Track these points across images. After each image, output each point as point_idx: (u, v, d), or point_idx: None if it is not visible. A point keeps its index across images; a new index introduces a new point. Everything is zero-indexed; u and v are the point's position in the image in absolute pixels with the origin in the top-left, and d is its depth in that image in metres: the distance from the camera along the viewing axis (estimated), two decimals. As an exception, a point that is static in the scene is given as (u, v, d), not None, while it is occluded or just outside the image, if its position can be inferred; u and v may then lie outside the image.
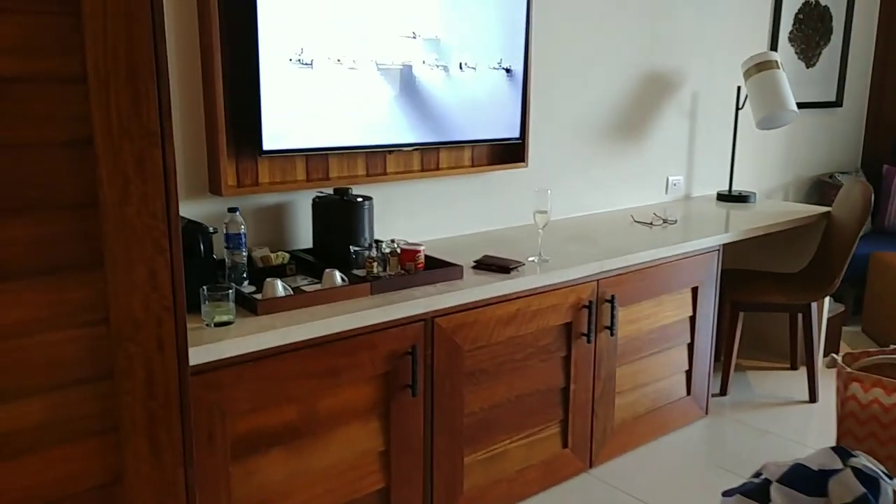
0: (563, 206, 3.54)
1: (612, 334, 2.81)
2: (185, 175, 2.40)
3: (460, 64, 2.85)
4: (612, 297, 2.78)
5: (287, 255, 2.48)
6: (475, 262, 2.64)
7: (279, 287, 2.15)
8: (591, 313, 2.71)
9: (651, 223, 3.43)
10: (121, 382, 1.52)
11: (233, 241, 2.25)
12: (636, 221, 3.48)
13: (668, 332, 3.12)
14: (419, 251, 2.47)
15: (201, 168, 2.44)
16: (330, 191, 2.61)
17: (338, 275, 2.28)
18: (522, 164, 3.20)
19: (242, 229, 2.26)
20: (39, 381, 1.45)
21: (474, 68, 2.89)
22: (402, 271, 2.44)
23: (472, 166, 3.13)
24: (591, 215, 3.60)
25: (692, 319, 3.20)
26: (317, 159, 2.66)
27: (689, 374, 3.26)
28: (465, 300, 2.37)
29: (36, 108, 1.38)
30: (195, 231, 2.08)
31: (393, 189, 2.92)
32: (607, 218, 3.55)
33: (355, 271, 2.45)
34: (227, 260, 2.28)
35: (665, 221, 3.45)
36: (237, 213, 2.27)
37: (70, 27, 1.39)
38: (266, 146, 2.42)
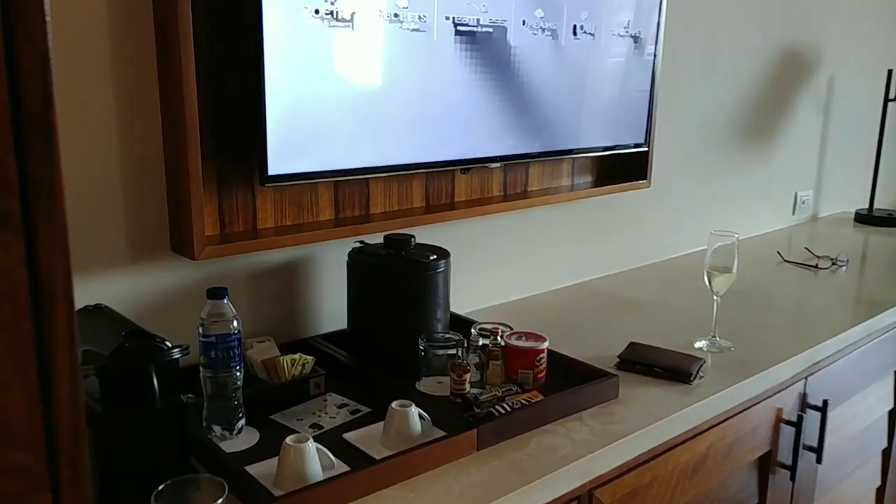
0: (690, 238, 2.55)
1: (819, 460, 1.82)
2: (118, 224, 1.36)
3: (574, 27, 1.83)
4: (825, 402, 1.78)
5: (310, 360, 1.44)
6: (620, 358, 1.63)
7: (312, 461, 1.11)
8: (797, 432, 1.72)
9: (816, 265, 2.45)
10: None
11: (217, 351, 1.21)
12: (786, 261, 2.50)
13: (867, 437, 2.14)
14: (541, 350, 1.46)
15: (154, 209, 1.39)
16: (376, 237, 1.58)
17: (415, 414, 1.25)
18: (643, 182, 2.20)
19: (235, 328, 1.23)
20: None
21: (592, 34, 1.88)
22: (513, 386, 1.42)
23: (572, 188, 2.12)
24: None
25: (891, 415, 2.23)
26: (351, 186, 1.64)
27: (881, 492, 2.29)
28: (639, 449, 1.36)
29: None
30: (139, 354, 1.04)
31: (460, 229, 1.90)
32: (745, 255, 2.56)
33: (424, 384, 1.44)
34: (205, 387, 1.24)
35: (835, 262, 2.47)
36: (225, 298, 1.23)
37: None
38: (274, 168, 1.38)
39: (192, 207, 1.32)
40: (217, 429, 1.25)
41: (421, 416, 1.27)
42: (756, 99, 2.74)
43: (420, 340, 1.47)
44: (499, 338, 1.47)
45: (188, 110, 1.29)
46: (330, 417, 1.35)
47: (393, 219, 1.68)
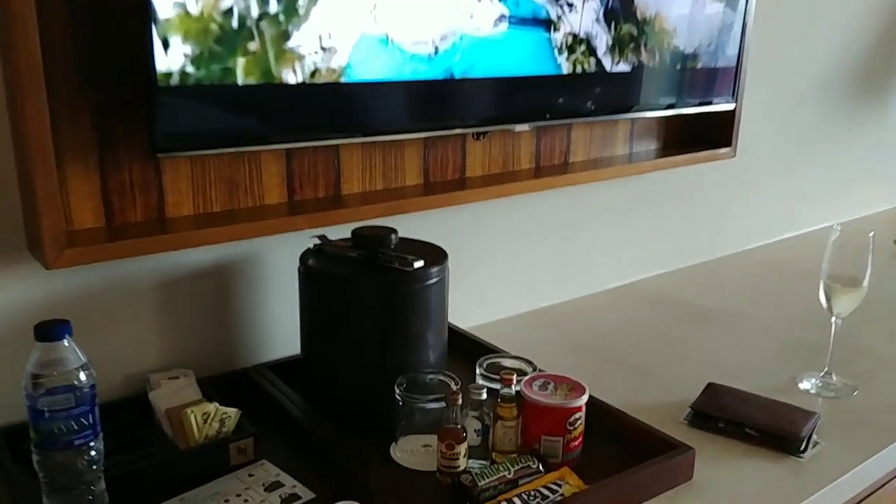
0: (781, 223, 2.02)
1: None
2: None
3: (638, -67, 1.31)
4: None
5: (232, 413, 0.99)
6: (694, 410, 1.14)
7: None
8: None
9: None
10: None
11: (54, 421, 0.77)
12: (908, 254, 1.96)
13: None
14: (576, 409, 0.98)
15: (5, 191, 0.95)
16: (347, 230, 1.11)
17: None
18: (726, 151, 1.68)
19: (83, 382, 0.78)
20: None
21: (664, -54, 1.36)
22: (532, 461, 0.95)
23: (630, 159, 1.61)
24: (804, 237, 2.07)
25: None
26: (312, 156, 1.17)
27: None
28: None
29: None
30: None
31: (473, 216, 1.42)
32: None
33: (402, 449, 0.98)
34: (42, 476, 0.80)
35: (976, 259, 1.91)
36: (65, 338, 0.78)
37: None
38: (170, 124, 0.92)
39: (38, 189, 0.87)
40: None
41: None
42: (868, 51, 2.16)
43: (397, 387, 1.00)
44: (513, 386, 0.99)
45: (21, 41, 0.83)
46: (252, 508, 0.91)
47: (374, 202, 1.21)
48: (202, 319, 1.14)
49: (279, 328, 1.21)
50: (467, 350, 1.30)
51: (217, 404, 0.99)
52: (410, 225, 1.22)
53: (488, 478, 0.93)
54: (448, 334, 1.29)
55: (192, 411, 0.98)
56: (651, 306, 1.61)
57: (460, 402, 0.95)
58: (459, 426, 0.95)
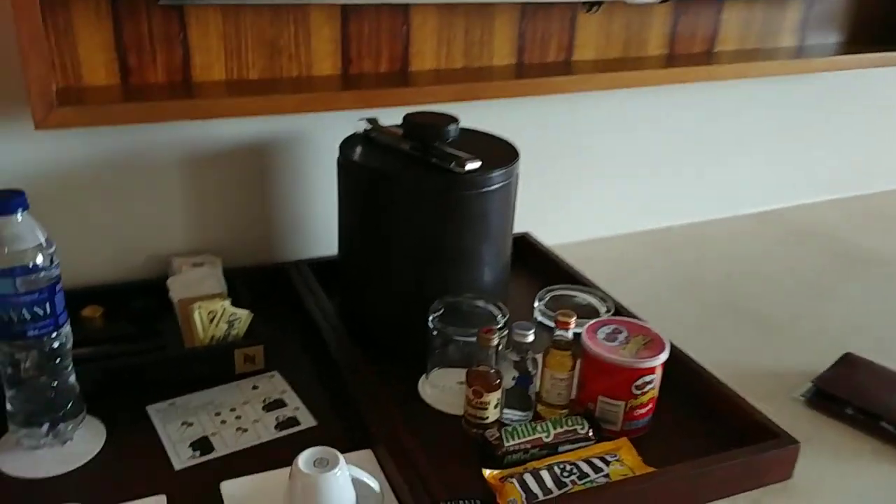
0: None
1: None
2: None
3: None
4: None
5: (242, 315, 0.87)
6: (816, 386, 0.90)
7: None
8: None
9: None
10: None
11: (6, 307, 0.67)
12: None
13: None
14: (649, 370, 0.77)
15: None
16: (405, 112, 0.92)
17: (341, 485, 0.65)
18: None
19: (39, 263, 0.67)
20: None
21: None
22: (581, 424, 0.77)
23: (800, 52, 1.29)
24: None
25: None
26: (374, 15, 0.98)
27: None
28: None
29: None
30: None
31: (572, 108, 1.19)
32: None
33: (433, 385, 0.83)
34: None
35: None
36: (18, 211, 0.67)
37: None
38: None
39: (21, 32, 0.75)
40: (21, 433, 0.73)
41: (359, 485, 0.67)
42: None
43: (431, 313, 0.84)
44: (569, 331, 0.80)
45: None
46: (240, 428, 0.79)
47: (449, 82, 1.01)
48: (235, 203, 1.02)
49: (326, 221, 1.06)
50: (540, 274, 1.11)
51: (227, 303, 0.87)
52: (492, 115, 1.02)
53: (520, 437, 0.76)
54: (519, 252, 1.11)
55: (199, 307, 0.87)
56: (795, 242, 1.32)
57: (495, 343, 0.77)
58: (493, 371, 0.78)
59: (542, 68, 1.09)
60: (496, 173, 0.86)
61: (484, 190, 0.86)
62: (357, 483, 0.67)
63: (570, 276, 1.06)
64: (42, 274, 0.69)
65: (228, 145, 0.99)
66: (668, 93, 1.23)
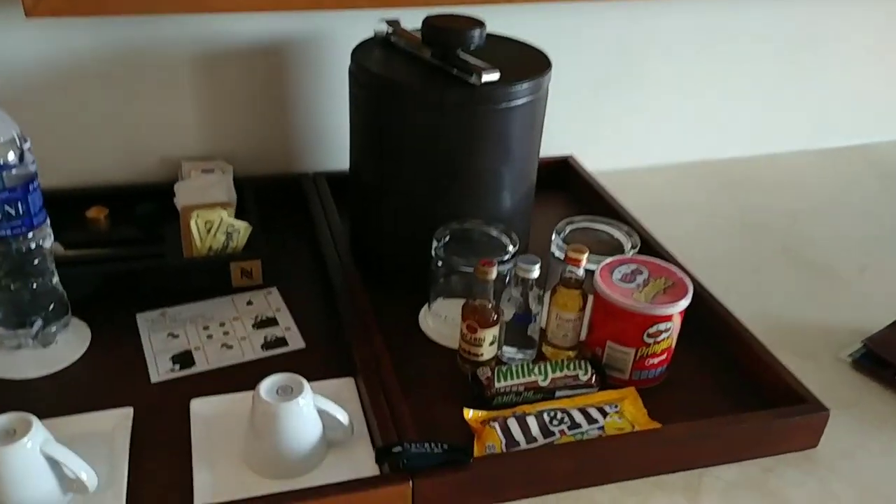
0: None
1: None
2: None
3: None
4: None
5: (240, 227, 0.84)
6: (867, 347, 0.80)
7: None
8: None
9: None
10: None
11: None
12: None
13: None
14: (664, 317, 0.69)
15: None
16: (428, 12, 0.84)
17: (304, 413, 0.61)
18: None
19: (10, 160, 0.64)
20: None
21: None
22: (584, 369, 0.71)
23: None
24: None
25: None
26: None
27: None
28: None
29: None
30: None
31: (626, 13, 1.07)
32: None
33: (435, 315, 0.78)
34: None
35: None
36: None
37: None
38: None
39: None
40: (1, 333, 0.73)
41: (326, 416, 0.63)
42: None
43: (435, 240, 0.78)
44: (580, 269, 0.72)
45: None
46: (225, 345, 0.76)
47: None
48: (250, 107, 0.97)
49: (341, 132, 1.00)
50: (577, 202, 1.04)
51: (225, 214, 0.84)
52: (534, 20, 0.92)
53: (513, 378, 0.70)
54: (556, 177, 1.03)
55: (197, 216, 0.83)
56: (879, 184, 1.19)
57: (493, 276, 0.70)
58: (490, 305, 0.72)
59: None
60: (521, 87, 0.78)
61: (505, 105, 0.78)
62: (324, 414, 0.63)
63: (609, 208, 0.98)
64: (14, 171, 0.66)
65: (242, 44, 0.93)
66: (742, 3, 1.09)
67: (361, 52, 0.84)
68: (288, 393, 0.61)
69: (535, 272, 0.71)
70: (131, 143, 0.95)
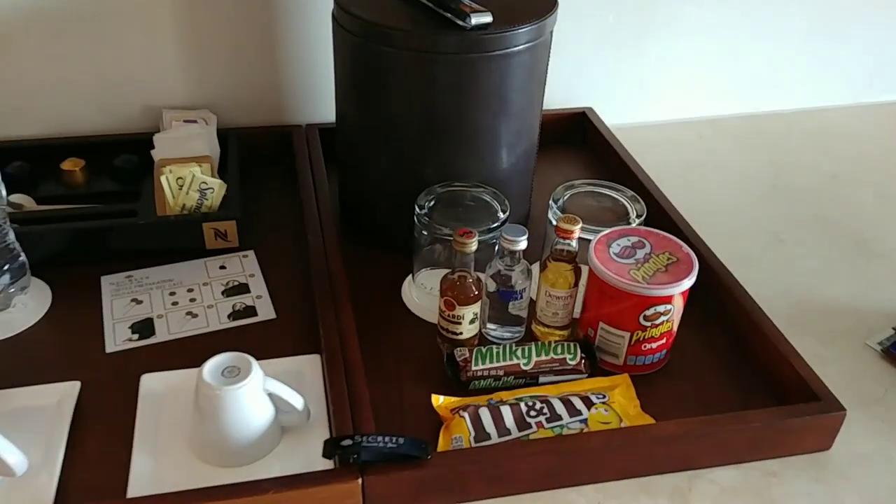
0: None
1: None
2: None
3: None
4: None
5: (214, 184, 0.78)
6: (901, 334, 0.72)
7: None
8: None
9: None
10: None
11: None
12: None
13: None
14: (664, 298, 0.62)
15: None
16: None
17: (254, 397, 0.56)
18: None
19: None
20: None
21: None
22: (573, 351, 0.64)
23: None
24: None
25: None
26: None
27: None
28: None
29: None
30: None
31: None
32: None
33: (420, 286, 0.72)
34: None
35: None
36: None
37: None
38: None
39: None
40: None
41: (279, 401, 0.58)
42: None
43: (417, 206, 0.71)
44: (571, 241, 0.65)
45: None
46: (190, 313, 0.72)
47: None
48: (235, 52, 0.90)
49: (310, 84, 0.93)
50: (592, 161, 0.96)
51: (199, 169, 0.78)
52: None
53: (492, 361, 0.64)
54: (572, 133, 0.95)
55: (169, 171, 0.78)
56: None
57: (471, 249, 0.63)
58: (469, 280, 0.65)
59: None
60: (518, 31, 0.70)
61: (499, 52, 0.70)
62: (276, 398, 0.58)
63: (625, 167, 0.89)
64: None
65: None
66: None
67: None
68: (234, 375, 0.56)
69: (522, 244, 0.64)
70: (110, 90, 0.89)
